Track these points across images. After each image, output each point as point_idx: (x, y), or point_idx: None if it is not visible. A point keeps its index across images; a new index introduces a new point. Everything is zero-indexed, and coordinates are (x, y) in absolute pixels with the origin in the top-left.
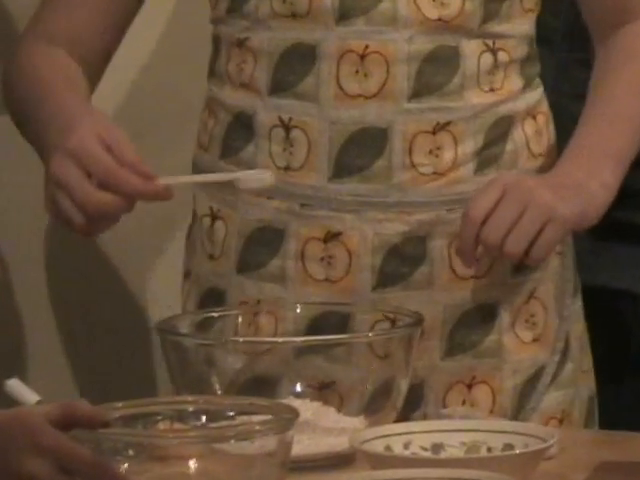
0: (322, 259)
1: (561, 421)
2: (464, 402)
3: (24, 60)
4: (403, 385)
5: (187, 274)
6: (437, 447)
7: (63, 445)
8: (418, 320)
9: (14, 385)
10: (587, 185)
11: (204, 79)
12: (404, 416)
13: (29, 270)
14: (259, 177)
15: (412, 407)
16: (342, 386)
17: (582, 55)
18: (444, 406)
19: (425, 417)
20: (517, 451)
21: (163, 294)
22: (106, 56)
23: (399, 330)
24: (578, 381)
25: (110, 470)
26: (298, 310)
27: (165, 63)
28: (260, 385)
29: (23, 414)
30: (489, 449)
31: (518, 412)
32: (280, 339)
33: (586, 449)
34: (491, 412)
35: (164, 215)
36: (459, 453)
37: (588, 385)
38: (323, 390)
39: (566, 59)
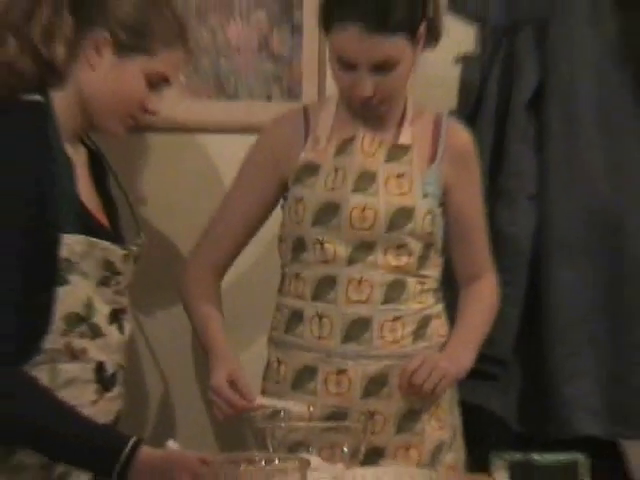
0: (337, 384)
1: (454, 469)
2: (405, 457)
3: (191, 286)
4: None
5: (263, 391)
6: None
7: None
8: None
9: (171, 444)
10: (462, 361)
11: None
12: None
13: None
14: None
15: (377, 459)
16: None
17: None
18: (394, 458)
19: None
20: None
21: None
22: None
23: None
24: (460, 449)
25: None
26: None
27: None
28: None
29: (182, 456)
30: None
31: (433, 464)
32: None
33: None
34: (418, 463)
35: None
36: None
37: (463, 452)
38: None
39: None
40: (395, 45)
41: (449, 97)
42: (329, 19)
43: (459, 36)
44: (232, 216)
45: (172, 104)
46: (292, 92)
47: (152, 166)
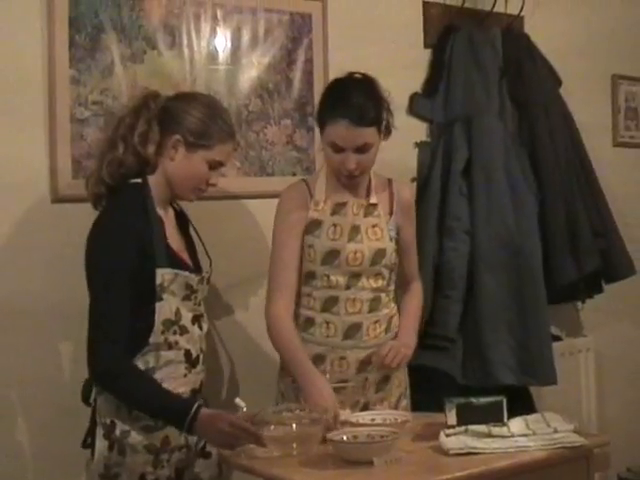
0: (339, 365)
1: (406, 409)
2: (381, 405)
3: (275, 319)
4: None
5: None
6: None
7: (242, 425)
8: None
9: (239, 401)
10: (411, 342)
11: None
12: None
13: None
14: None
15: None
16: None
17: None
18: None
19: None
20: (399, 420)
21: None
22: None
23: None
24: (408, 397)
25: (255, 434)
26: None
27: None
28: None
29: (221, 414)
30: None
31: (397, 407)
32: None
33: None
34: (388, 408)
35: None
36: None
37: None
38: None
39: None
40: (370, 134)
41: (412, 168)
42: (324, 117)
43: (416, 130)
44: (288, 267)
45: (231, 181)
46: (308, 170)
47: (219, 220)
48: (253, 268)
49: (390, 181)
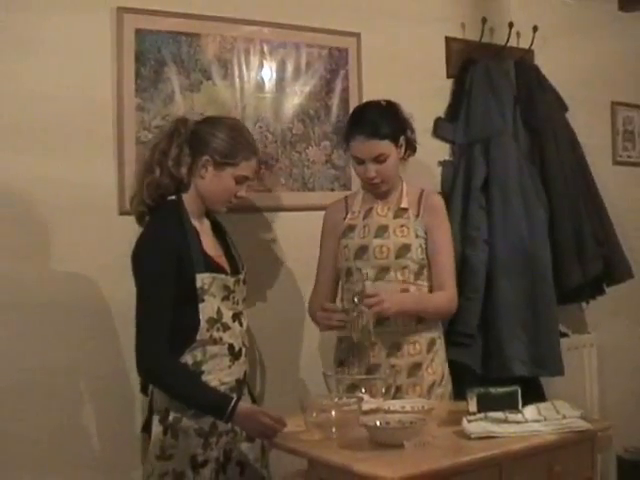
0: (372, 349)
1: (442, 397)
2: (413, 391)
3: (308, 308)
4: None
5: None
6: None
7: (281, 419)
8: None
9: None
10: (401, 301)
11: None
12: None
13: None
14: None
15: (397, 394)
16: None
17: None
18: (407, 392)
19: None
20: (426, 407)
21: None
22: None
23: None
24: (447, 385)
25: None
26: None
27: None
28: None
29: (259, 408)
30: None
31: (429, 395)
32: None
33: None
34: (420, 394)
35: None
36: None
37: (450, 387)
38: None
39: None
40: (384, 146)
41: (436, 184)
42: (348, 136)
43: (440, 150)
44: (323, 268)
45: (277, 196)
46: (345, 186)
47: (266, 230)
48: (293, 269)
49: (422, 190)
